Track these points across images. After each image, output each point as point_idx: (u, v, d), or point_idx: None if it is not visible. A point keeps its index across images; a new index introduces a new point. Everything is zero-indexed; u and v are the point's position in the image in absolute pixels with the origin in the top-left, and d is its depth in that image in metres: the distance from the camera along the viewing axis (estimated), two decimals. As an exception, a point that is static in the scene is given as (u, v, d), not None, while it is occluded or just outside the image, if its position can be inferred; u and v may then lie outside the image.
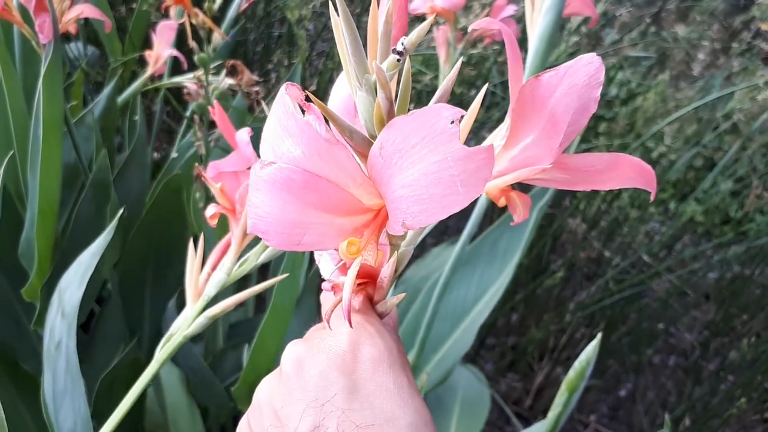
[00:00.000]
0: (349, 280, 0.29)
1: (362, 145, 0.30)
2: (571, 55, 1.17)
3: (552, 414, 0.59)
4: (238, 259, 0.55)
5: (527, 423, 1.62)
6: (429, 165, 0.24)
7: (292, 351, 0.33)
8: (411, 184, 0.25)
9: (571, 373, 0.58)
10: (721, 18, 1.60)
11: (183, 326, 0.53)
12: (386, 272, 0.33)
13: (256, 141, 0.57)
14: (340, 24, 0.30)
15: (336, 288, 0.33)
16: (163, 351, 0.53)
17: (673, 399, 1.66)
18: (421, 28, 0.30)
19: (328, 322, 0.32)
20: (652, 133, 1.15)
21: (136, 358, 0.93)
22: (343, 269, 0.32)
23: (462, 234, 0.78)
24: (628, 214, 1.58)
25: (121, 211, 0.65)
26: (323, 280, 0.35)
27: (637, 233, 1.50)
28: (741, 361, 1.49)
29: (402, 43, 0.29)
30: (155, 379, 1.08)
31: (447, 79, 0.31)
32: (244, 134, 0.53)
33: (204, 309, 0.54)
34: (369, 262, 0.32)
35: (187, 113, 1.09)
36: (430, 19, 0.30)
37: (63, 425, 0.61)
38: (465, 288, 0.94)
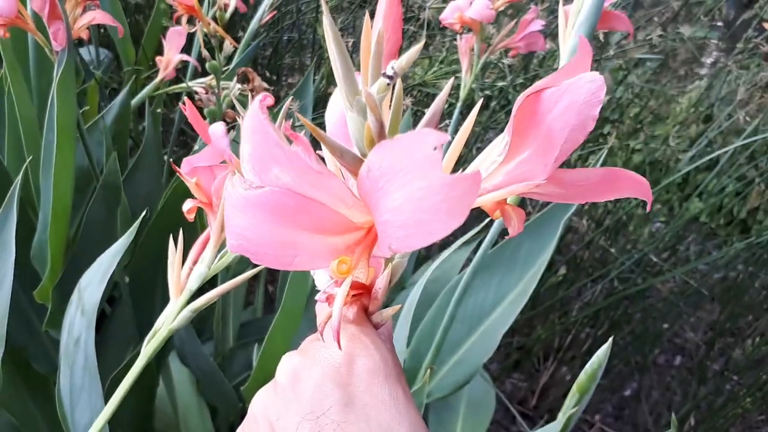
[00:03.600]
0: (338, 301, 0.29)
1: (353, 164, 0.30)
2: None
3: (563, 416, 0.60)
4: (219, 251, 0.56)
5: (532, 422, 1.64)
6: (413, 192, 0.24)
7: (288, 363, 0.33)
8: (397, 209, 0.25)
9: (582, 375, 0.59)
10: (726, 17, 1.60)
11: (167, 321, 0.54)
12: (381, 284, 0.33)
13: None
14: (329, 45, 0.30)
15: (331, 299, 0.32)
16: (149, 346, 0.54)
17: (678, 399, 1.67)
18: (410, 53, 0.30)
19: (322, 334, 0.32)
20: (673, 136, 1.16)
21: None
22: (338, 281, 0.32)
23: (464, 237, 0.79)
24: (634, 213, 1.58)
25: (144, 213, 0.67)
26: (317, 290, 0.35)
27: (642, 233, 1.51)
28: (746, 361, 1.50)
29: (392, 67, 0.30)
30: (167, 379, 1.09)
31: (437, 99, 0.31)
32: (218, 127, 0.54)
33: (187, 303, 0.55)
34: (360, 279, 0.32)
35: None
36: (419, 45, 0.31)
37: (79, 421, 0.63)
38: (483, 293, 0.95)
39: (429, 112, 0.32)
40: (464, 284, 0.78)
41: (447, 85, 0.33)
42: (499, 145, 0.33)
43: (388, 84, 0.30)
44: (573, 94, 0.29)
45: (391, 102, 0.31)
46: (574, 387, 0.61)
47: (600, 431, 1.63)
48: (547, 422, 1.61)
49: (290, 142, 0.28)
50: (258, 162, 0.28)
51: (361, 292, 0.34)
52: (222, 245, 0.58)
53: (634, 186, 0.33)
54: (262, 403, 0.33)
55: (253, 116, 0.28)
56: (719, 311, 1.69)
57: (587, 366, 0.60)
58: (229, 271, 0.84)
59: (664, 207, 1.74)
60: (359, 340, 0.32)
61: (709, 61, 1.79)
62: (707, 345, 1.70)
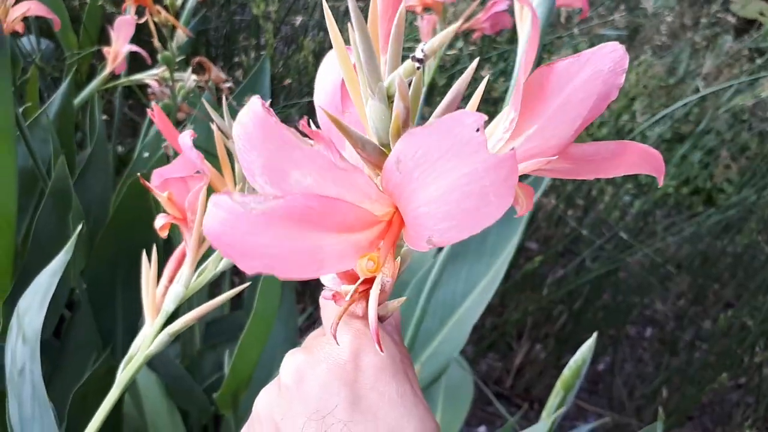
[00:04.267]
0: (372, 301, 0.28)
1: (375, 155, 0.28)
2: (542, 35, 1.15)
3: (547, 416, 0.58)
4: (196, 268, 0.53)
5: (509, 402, 1.64)
6: (457, 178, 0.23)
7: (291, 361, 0.32)
8: (437, 199, 0.23)
9: (566, 371, 0.57)
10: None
11: (143, 346, 0.51)
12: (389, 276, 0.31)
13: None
14: (354, 31, 0.28)
15: (337, 297, 0.31)
16: (124, 374, 0.51)
17: (651, 370, 1.70)
18: (445, 33, 0.29)
19: (335, 336, 0.30)
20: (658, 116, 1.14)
21: (110, 368, 0.90)
22: (343, 276, 0.31)
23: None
24: (603, 189, 1.58)
25: (80, 227, 0.62)
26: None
27: (612, 210, 1.51)
28: (716, 331, 1.52)
29: (422, 50, 0.28)
30: (132, 387, 1.05)
31: (459, 81, 0.29)
32: (186, 138, 0.50)
33: (164, 325, 0.51)
34: (386, 274, 0.30)
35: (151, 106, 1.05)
36: (456, 24, 0.29)
37: (35, 452, 0.58)
38: (453, 284, 0.93)
39: (448, 96, 0.30)
40: (434, 277, 0.76)
41: (472, 65, 0.30)
42: (504, 121, 0.31)
43: (418, 68, 0.28)
44: (597, 63, 0.28)
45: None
46: (558, 383, 0.59)
47: (576, 407, 1.65)
48: (523, 401, 1.62)
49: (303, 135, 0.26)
50: (274, 172, 0.26)
51: (369, 285, 0.32)
52: (200, 262, 0.54)
53: (647, 159, 0.32)
54: (266, 403, 0.32)
55: (261, 123, 0.25)
56: (688, 282, 1.71)
57: (571, 362, 0.58)
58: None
59: (632, 182, 1.74)
60: (365, 336, 0.31)
61: (670, 32, 1.79)
62: (677, 316, 1.72)
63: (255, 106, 0.26)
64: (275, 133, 0.25)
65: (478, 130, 0.22)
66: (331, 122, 0.27)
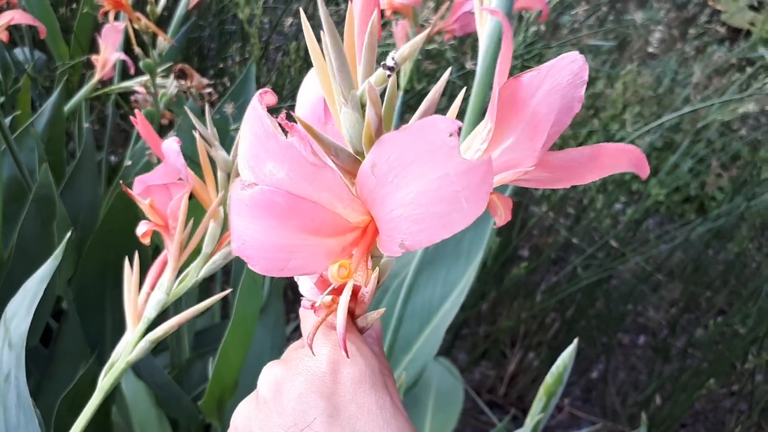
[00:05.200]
0: (341, 308, 0.28)
1: (349, 163, 0.29)
2: (529, 46, 1.16)
3: (531, 421, 0.58)
4: (178, 275, 0.53)
5: (502, 410, 1.64)
6: (429, 182, 0.23)
7: (269, 374, 0.32)
8: (410, 202, 0.23)
9: (549, 378, 0.57)
10: (677, 2, 1.61)
11: (124, 353, 0.51)
12: (368, 286, 0.31)
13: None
14: (325, 38, 0.28)
15: (315, 307, 0.31)
16: (106, 380, 0.51)
17: (644, 378, 1.69)
18: (414, 42, 0.29)
19: (311, 347, 0.31)
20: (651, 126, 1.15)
21: (96, 376, 0.90)
22: (321, 285, 0.31)
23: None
24: (594, 197, 1.59)
25: (69, 233, 0.62)
26: (296, 291, 0.34)
27: (603, 218, 1.51)
28: (708, 338, 1.52)
29: (392, 58, 0.28)
30: (120, 396, 1.05)
31: (434, 89, 0.30)
32: (172, 144, 0.50)
33: (146, 332, 0.51)
34: (359, 282, 0.30)
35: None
36: (424, 33, 0.29)
37: (18, 460, 0.58)
38: (431, 288, 0.93)
39: (425, 103, 0.30)
40: (409, 282, 0.76)
41: (445, 73, 0.31)
42: (481, 132, 0.31)
43: (389, 76, 0.28)
44: (555, 76, 0.28)
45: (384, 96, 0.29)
46: (541, 390, 0.59)
47: (569, 415, 1.64)
48: (517, 410, 1.62)
49: (284, 131, 0.26)
50: (254, 157, 0.26)
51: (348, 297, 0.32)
52: (181, 269, 0.55)
53: (626, 157, 0.32)
54: (244, 416, 0.32)
55: (253, 109, 0.26)
56: (680, 290, 1.72)
57: (553, 368, 0.58)
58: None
59: (623, 188, 1.75)
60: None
61: (659, 43, 1.80)
62: (670, 324, 1.72)
63: (255, 94, 0.27)
64: (260, 120, 0.26)
65: (451, 135, 0.22)
66: (306, 131, 0.28)
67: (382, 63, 0.29)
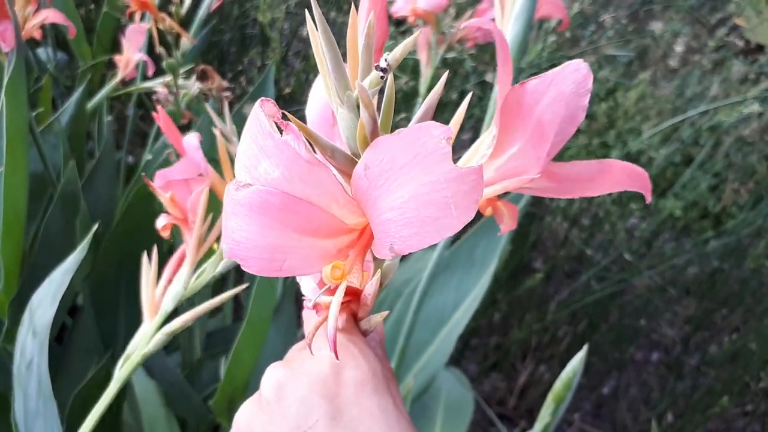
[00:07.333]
0: (333, 308, 0.28)
1: (345, 164, 0.29)
2: (550, 54, 1.16)
3: (539, 425, 0.58)
4: (195, 269, 0.53)
5: (511, 423, 1.62)
6: (420, 186, 0.23)
7: (272, 375, 0.32)
8: (400, 206, 0.24)
9: (558, 383, 0.57)
10: (698, 15, 1.61)
11: (141, 344, 0.51)
12: (370, 289, 0.31)
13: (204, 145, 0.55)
14: (318, 39, 0.28)
15: (317, 307, 0.31)
16: (122, 371, 0.52)
17: (656, 395, 1.67)
18: (406, 44, 0.29)
19: (310, 346, 0.31)
20: (650, 134, 1.14)
21: (110, 373, 0.91)
22: (323, 286, 0.31)
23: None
24: (609, 211, 1.58)
25: (95, 226, 0.63)
26: (303, 295, 0.34)
27: (618, 231, 1.51)
28: (722, 356, 1.50)
29: (386, 59, 0.28)
30: (130, 394, 1.05)
31: (432, 93, 0.30)
32: (192, 139, 0.51)
33: (162, 324, 0.52)
34: (354, 284, 0.30)
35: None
36: (414, 35, 0.29)
37: (35, 448, 0.59)
38: (444, 295, 0.93)
39: (422, 107, 0.30)
40: (422, 289, 0.76)
41: (442, 78, 0.31)
42: (487, 139, 0.31)
43: (382, 77, 0.28)
44: (559, 85, 0.28)
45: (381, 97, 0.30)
46: (550, 396, 0.59)
47: (579, 430, 1.63)
48: (527, 423, 1.60)
49: (280, 131, 0.26)
50: (250, 157, 0.27)
51: (351, 298, 0.32)
52: (199, 263, 0.55)
53: (632, 177, 0.32)
54: (246, 417, 0.32)
55: (255, 110, 0.27)
56: (695, 306, 1.70)
57: (562, 374, 0.58)
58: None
59: (640, 203, 1.74)
60: (347, 350, 0.31)
61: (678, 55, 1.80)
62: (683, 341, 1.70)
63: (261, 100, 0.27)
64: (258, 121, 0.26)
65: (444, 141, 0.23)
66: (303, 132, 0.27)
67: (375, 64, 0.29)
